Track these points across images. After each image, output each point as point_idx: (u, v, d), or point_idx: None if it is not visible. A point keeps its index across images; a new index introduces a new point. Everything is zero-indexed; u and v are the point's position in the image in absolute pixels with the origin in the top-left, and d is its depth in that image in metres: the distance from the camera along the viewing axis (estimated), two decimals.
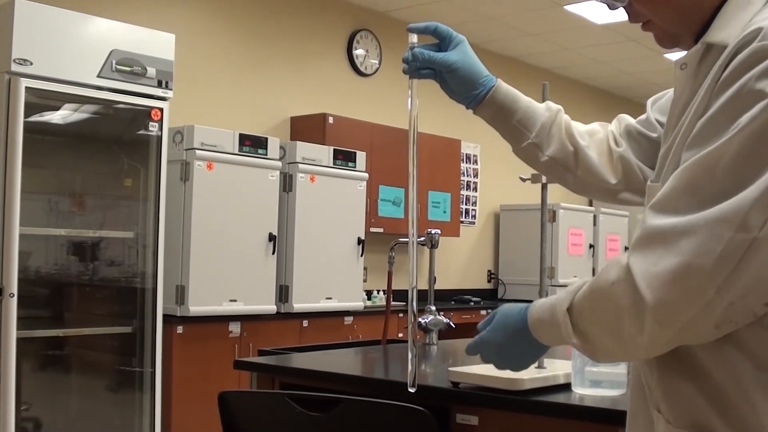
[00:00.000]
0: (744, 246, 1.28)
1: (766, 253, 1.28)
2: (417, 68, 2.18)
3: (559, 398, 2.44)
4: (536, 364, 2.67)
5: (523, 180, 2.77)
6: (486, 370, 2.63)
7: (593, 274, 9.67)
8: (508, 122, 2.20)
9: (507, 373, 2.50)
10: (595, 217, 10.46)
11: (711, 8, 1.51)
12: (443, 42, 2.19)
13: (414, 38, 2.19)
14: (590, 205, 10.77)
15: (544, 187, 2.70)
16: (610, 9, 1.66)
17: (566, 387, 2.53)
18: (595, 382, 2.46)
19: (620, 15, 1.68)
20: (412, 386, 2.01)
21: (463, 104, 2.18)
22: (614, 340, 1.44)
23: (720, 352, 1.39)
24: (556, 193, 7.82)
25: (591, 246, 10.29)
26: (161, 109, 5.61)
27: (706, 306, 1.31)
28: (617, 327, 1.41)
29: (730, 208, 1.28)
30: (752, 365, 1.37)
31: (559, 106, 2.16)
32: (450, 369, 2.62)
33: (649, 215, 1.38)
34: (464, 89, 2.17)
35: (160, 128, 5.63)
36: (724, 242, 1.28)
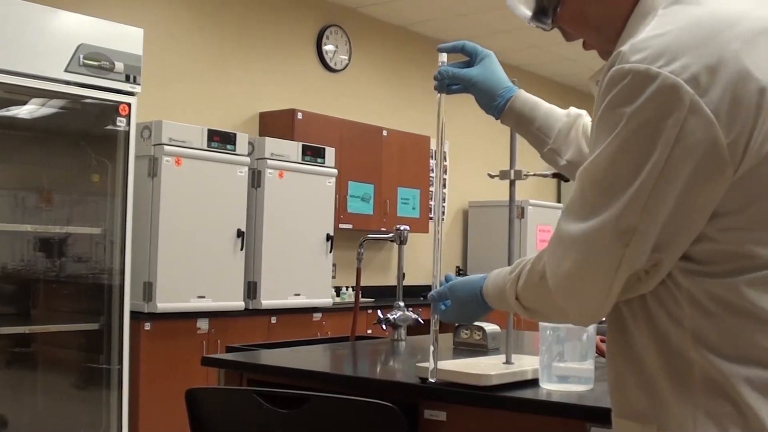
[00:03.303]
0: (619, 254, 1.43)
1: (639, 257, 1.43)
2: (445, 84, 2.38)
3: (527, 394, 2.45)
4: (504, 360, 2.68)
5: (492, 177, 2.77)
6: (454, 366, 2.63)
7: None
8: (529, 130, 2.26)
9: (475, 369, 2.51)
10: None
11: (622, 23, 1.55)
12: (471, 58, 2.42)
13: (443, 57, 2.42)
14: (559, 201, 10.81)
15: (512, 183, 2.70)
16: (545, 31, 1.76)
17: (534, 382, 2.54)
18: (563, 377, 2.47)
19: None
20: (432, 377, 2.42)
21: (491, 115, 2.30)
22: (559, 315, 1.68)
23: (653, 342, 1.48)
24: (525, 189, 7.87)
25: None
26: (129, 105, 5.58)
27: (603, 301, 1.50)
28: (553, 308, 1.62)
29: (604, 221, 1.43)
30: (681, 355, 1.44)
31: (581, 111, 2.23)
32: (418, 365, 2.62)
33: (561, 217, 1.53)
34: (486, 101, 2.31)
35: (128, 123, 5.59)
36: (601, 251, 1.45)
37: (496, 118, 2.26)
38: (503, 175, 2.70)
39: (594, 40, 1.67)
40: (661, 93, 1.35)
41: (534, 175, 2.73)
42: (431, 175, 9.76)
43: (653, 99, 1.35)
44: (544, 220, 10.10)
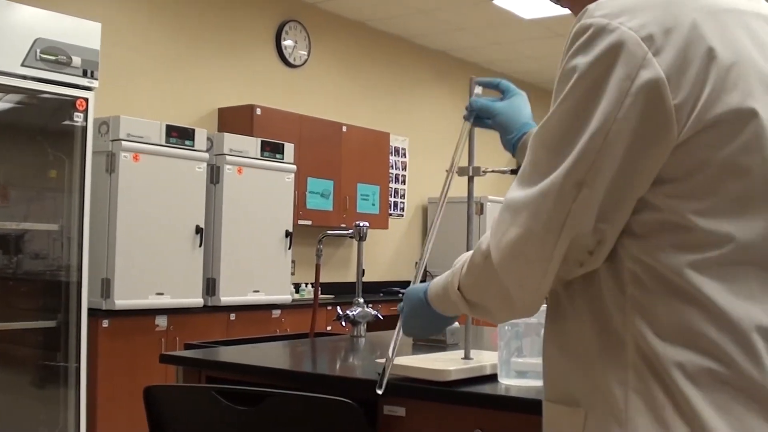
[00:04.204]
0: (563, 216, 1.42)
1: (582, 221, 1.42)
2: (473, 115, 2.33)
3: (485, 389, 2.45)
4: (463, 355, 2.69)
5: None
6: (413, 361, 2.63)
7: None
8: None
9: (433, 365, 2.52)
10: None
11: None
12: (503, 95, 2.34)
13: (479, 90, 2.38)
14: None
15: (470, 180, 2.70)
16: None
17: (492, 378, 2.55)
18: (521, 372, 2.48)
19: (548, 10, 1.72)
20: (380, 387, 2.29)
21: (508, 151, 2.26)
22: (501, 303, 1.60)
23: (589, 324, 1.49)
24: (484, 186, 7.87)
25: None
26: (86, 99, 5.54)
27: (545, 269, 1.47)
28: (495, 292, 1.57)
29: (551, 182, 1.43)
30: (604, 339, 1.46)
31: None
32: (377, 361, 2.62)
33: (511, 187, 1.52)
34: (503, 135, 2.27)
35: (86, 119, 5.55)
36: (546, 213, 1.43)
37: (513, 155, 2.22)
38: (462, 171, 2.69)
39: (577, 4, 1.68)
40: (616, 46, 1.38)
41: (492, 171, 2.73)
42: (391, 171, 9.77)
43: (608, 52, 1.39)
44: None
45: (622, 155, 1.39)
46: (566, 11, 1.75)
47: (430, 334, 2.13)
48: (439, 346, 3.39)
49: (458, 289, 1.70)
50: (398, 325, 2.14)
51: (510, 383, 2.49)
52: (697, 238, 1.40)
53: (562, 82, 1.45)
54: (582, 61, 1.41)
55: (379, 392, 2.27)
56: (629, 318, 1.43)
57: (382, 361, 2.50)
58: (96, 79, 5.57)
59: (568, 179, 1.41)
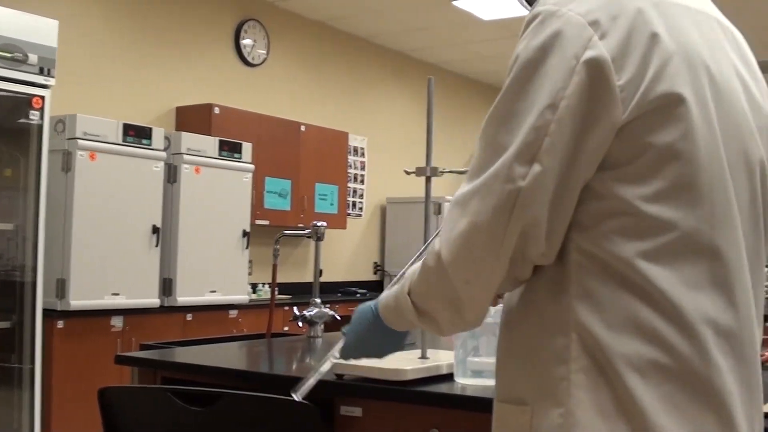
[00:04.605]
0: (513, 197, 1.42)
1: (533, 203, 1.42)
2: None
3: (442, 388, 2.46)
4: (420, 355, 2.69)
5: (408, 173, 2.78)
6: (370, 362, 2.63)
7: None
8: None
9: (390, 364, 2.52)
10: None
11: None
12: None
13: None
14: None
15: (428, 180, 2.71)
16: None
17: (449, 377, 2.56)
18: (477, 372, 2.49)
19: (508, 11, 1.73)
20: (297, 392, 2.12)
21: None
22: (450, 310, 1.57)
23: (536, 321, 1.50)
24: (442, 186, 7.89)
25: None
26: (42, 97, 5.49)
27: (496, 258, 1.46)
28: (444, 296, 1.55)
29: (500, 164, 1.43)
30: (549, 334, 1.48)
31: None
32: (334, 361, 2.61)
33: (460, 187, 1.52)
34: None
35: (41, 117, 5.50)
36: (496, 196, 1.43)
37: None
38: (420, 171, 2.70)
39: None
40: (563, 29, 1.42)
41: (450, 171, 2.74)
42: (350, 171, 9.77)
43: (555, 35, 1.42)
44: None
45: (570, 133, 1.41)
46: (525, 12, 1.77)
47: (373, 355, 1.97)
48: None
49: (408, 294, 1.65)
50: (336, 346, 2.02)
51: (466, 382, 2.50)
52: (644, 224, 1.41)
53: (511, 68, 1.47)
54: (530, 44, 1.45)
55: (295, 397, 2.11)
56: (575, 312, 1.44)
57: (340, 361, 2.50)
58: (52, 77, 5.52)
59: (519, 158, 1.42)
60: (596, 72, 1.39)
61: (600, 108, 1.40)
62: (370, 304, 1.84)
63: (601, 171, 1.43)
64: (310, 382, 2.12)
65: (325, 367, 2.13)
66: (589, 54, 1.39)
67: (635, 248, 1.41)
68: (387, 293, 1.76)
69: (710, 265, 1.43)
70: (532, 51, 1.44)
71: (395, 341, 1.91)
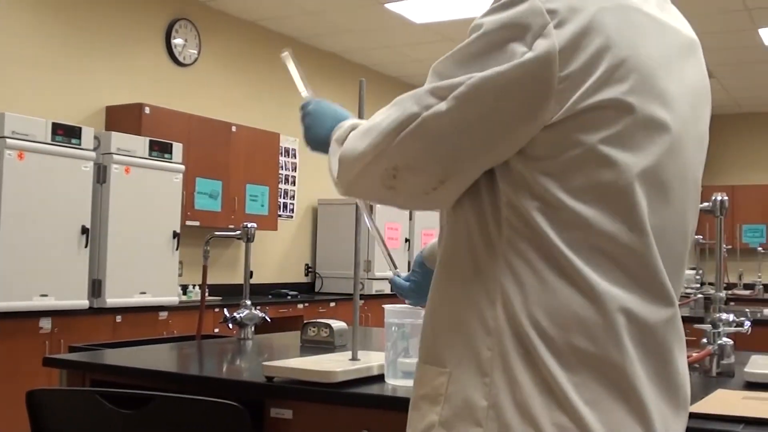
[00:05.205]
0: (412, 118, 1.51)
1: (425, 132, 1.51)
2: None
3: (373, 389, 2.48)
4: (350, 356, 2.70)
5: None
6: (300, 363, 2.64)
7: (408, 267, 9.80)
8: None
9: (321, 366, 2.53)
10: (411, 212, 10.60)
11: None
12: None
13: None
14: None
15: None
16: None
17: (380, 378, 2.57)
18: (407, 373, 2.50)
19: (440, 15, 1.76)
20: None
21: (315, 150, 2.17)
22: (335, 166, 1.75)
23: (454, 293, 1.56)
24: None
25: (407, 240, 10.44)
26: None
27: (374, 160, 1.59)
28: (343, 153, 1.70)
29: (422, 89, 1.53)
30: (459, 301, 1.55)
31: None
32: (264, 363, 2.62)
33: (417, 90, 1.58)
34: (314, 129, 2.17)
35: None
36: (403, 111, 1.53)
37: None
38: None
39: None
40: (523, 13, 1.44)
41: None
42: (281, 172, 9.75)
43: (514, 17, 1.45)
44: (391, 218, 10.19)
45: (492, 103, 1.46)
46: (457, 16, 1.80)
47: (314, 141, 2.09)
48: (327, 347, 3.41)
49: (343, 136, 1.76)
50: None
51: (397, 383, 2.52)
52: (566, 216, 1.45)
53: (469, 34, 1.51)
54: (490, 19, 1.48)
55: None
56: (502, 286, 1.48)
57: (270, 363, 2.50)
58: None
59: (436, 91, 1.50)
60: (541, 64, 1.42)
61: (533, 98, 1.43)
62: (340, 118, 1.97)
63: (528, 161, 1.47)
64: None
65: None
66: (540, 44, 1.42)
67: (558, 234, 1.45)
68: (343, 131, 1.82)
69: (627, 264, 1.48)
70: (490, 27, 1.47)
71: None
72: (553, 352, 1.43)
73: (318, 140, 1.98)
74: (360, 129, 1.68)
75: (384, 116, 1.58)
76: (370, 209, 2.55)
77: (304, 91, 2.25)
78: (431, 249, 2.13)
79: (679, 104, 1.55)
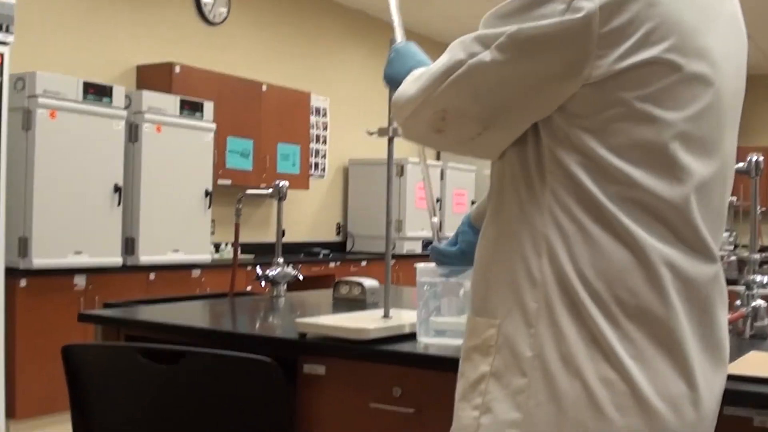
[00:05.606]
0: (459, 65, 1.56)
1: (470, 79, 1.55)
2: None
3: (404, 347, 2.48)
4: (383, 314, 2.71)
5: (370, 134, 2.78)
6: (333, 320, 2.66)
7: (440, 228, 9.78)
8: None
9: (353, 323, 2.54)
10: (442, 171, 10.57)
11: None
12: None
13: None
14: (438, 159, 10.89)
15: (390, 140, 2.72)
16: None
17: (411, 336, 2.58)
18: (440, 331, 2.51)
19: None
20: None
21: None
22: (401, 103, 1.75)
23: (503, 244, 1.60)
24: (405, 147, 7.90)
25: (438, 200, 10.41)
26: (2, 55, 5.43)
27: (423, 103, 1.63)
28: (410, 91, 1.71)
29: (468, 37, 1.57)
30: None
31: None
32: (297, 320, 2.63)
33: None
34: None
35: (1, 74, 5.44)
36: (451, 57, 1.58)
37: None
38: (381, 132, 2.71)
39: None
40: None
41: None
42: (312, 131, 9.74)
43: None
44: (423, 178, 10.13)
45: (531, 58, 1.49)
46: None
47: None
48: (359, 305, 3.42)
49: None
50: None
51: (429, 342, 2.53)
52: (608, 171, 1.47)
53: None
54: None
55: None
56: (546, 239, 1.51)
57: (304, 320, 2.51)
58: (12, 34, 5.46)
59: (482, 39, 1.54)
60: (581, 21, 1.43)
61: (571, 56, 1.45)
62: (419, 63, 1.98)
63: (566, 115, 1.49)
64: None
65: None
66: (580, 1, 1.43)
67: (600, 189, 1.47)
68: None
69: (670, 219, 1.49)
70: None
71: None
72: (599, 305, 1.44)
73: (393, 77, 1.99)
74: (414, 73, 1.76)
75: (437, 62, 1.63)
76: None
77: (399, 37, 2.26)
78: (478, 210, 2.15)
79: (719, 61, 1.54)
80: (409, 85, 1.70)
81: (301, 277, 3.95)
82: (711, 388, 1.54)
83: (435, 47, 1.74)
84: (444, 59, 1.60)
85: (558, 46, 1.46)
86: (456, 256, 2.27)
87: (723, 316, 1.58)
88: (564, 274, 1.47)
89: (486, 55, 1.52)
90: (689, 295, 1.50)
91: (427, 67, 1.67)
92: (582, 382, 1.44)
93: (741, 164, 3.00)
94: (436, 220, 2.50)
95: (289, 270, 3.88)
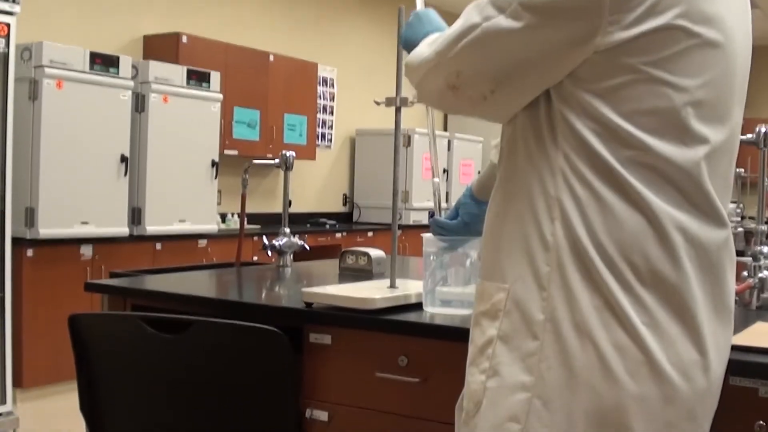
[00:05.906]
0: (473, 28, 1.58)
1: (484, 42, 1.57)
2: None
3: (411, 317, 2.49)
4: (389, 284, 2.71)
5: (378, 103, 2.78)
6: (339, 290, 2.66)
7: (446, 199, 9.83)
8: None
9: (359, 293, 2.54)
10: (449, 142, 10.54)
11: None
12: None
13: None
14: (445, 130, 10.87)
15: (397, 110, 2.71)
16: None
17: (418, 306, 2.58)
18: (446, 301, 2.51)
19: None
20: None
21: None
22: (413, 66, 1.79)
23: (516, 209, 1.61)
24: (412, 118, 7.88)
25: (445, 171, 10.39)
26: (8, 25, 5.40)
27: (437, 65, 1.67)
28: (426, 53, 1.74)
29: (481, 0, 1.59)
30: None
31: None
32: (303, 290, 2.64)
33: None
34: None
35: (7, 45, 5.42)
36: (466, 20, 1.60)
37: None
38: (389, 102, 2.70)
39: None
40: None
41: (420, 102, 2.74)
42: (319, 101, 9.72)
43: None
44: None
45: (542, 24, 1.50)
46: None
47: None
48: (365, 275, 3.42)
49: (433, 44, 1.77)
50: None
51: (435, 311, 2.53)
52: (620, 136, 1.48)
53: None
54: None
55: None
56: (559, 203, 1.52)
57: (310, 290, 2.52)
58: (18, 4, 5.44)
59: (497, 2, 1.56)
60: None
61: (581, 23, 1.47)
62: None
63: (578, 81, 1.50)
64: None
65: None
66: None
67: (612, 153, 1.48)
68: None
69: (681, 184, 1.50)
70: None
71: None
72: (612, 270, 1.45)
73: (411, 40, 1.99)
74: (431, 37, 1.80)
75: (452, 27, 1.66)
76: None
77: (419, 5, 2.28)
78: (480, 182, 2.17)
79: (728, 28, 1.55)
80: (424, 48, 1.73)
81: (307, 247, 3.95)
82: (719, 352, 1.56)
83: (450, 18, 1.73)
84: (459, 23, 1.62)
85: (571, 12, 1.46)
86: (457, 228, 2.29)
87: (732, 280, 1.61)
88: (577, 238, 1.48)
89: (500, 20, 1.53)
90: (701, 260, 1.51)
91: (444, 31, 1.70)
92: (594, 346, 1.45)
93: (749, 135, 2.99)
94: (437, 180, 2.51)
95: (296, 240, 3.88)
